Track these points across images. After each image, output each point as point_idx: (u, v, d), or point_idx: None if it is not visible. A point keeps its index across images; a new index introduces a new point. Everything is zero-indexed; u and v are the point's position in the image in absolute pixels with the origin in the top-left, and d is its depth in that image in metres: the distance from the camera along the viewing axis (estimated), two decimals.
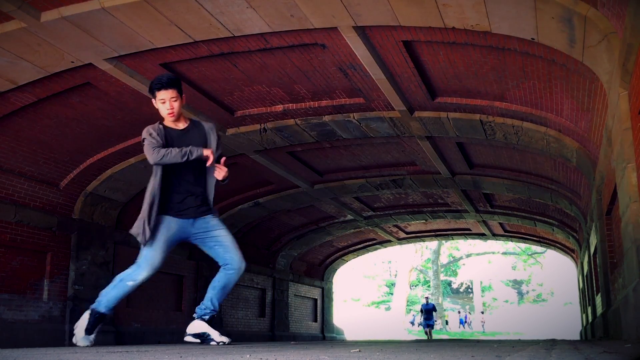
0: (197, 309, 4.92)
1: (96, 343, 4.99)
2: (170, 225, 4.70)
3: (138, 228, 4.78)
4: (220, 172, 4.86)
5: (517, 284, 56.12)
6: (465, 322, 48.72)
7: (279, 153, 11.23)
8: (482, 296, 55.64)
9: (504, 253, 47.58)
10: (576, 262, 20.14)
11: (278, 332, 17.67)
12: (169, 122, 4.73)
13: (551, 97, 7.64)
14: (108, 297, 5.02)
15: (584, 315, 17.93)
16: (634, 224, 5.12)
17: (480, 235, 21.37)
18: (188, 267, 13.64)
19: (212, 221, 4.81)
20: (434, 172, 12.52)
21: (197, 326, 4.82)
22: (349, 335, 24.60)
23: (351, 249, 21.11)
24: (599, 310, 11.04)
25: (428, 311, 22.62)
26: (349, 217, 16.67)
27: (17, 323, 9.10)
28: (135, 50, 7.00)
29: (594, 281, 12.08)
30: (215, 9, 6.15)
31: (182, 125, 4.76)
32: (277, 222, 16.13)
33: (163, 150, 4.49)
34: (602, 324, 10.17)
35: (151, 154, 4.50)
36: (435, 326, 26.00)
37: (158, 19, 6.30)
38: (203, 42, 6.92)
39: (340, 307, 36.59)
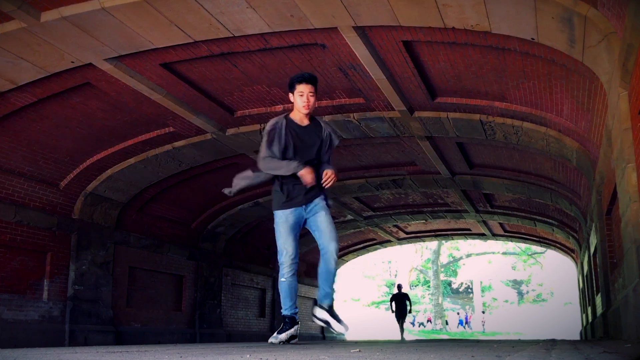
0: (317, 297, 5.22)
1: (96, 343, 4.98)
2: (288, 217, 5.04)
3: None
4: (328, 180, 5.04)
5: (517, 284, 56.12)
6: (466, 322, 48.72)
7: None
8: (482, 296, 55.65)
9: (504, 253, 47.59)
10: (576, 262, 20.15)
11: None
12: (296, 116, 5.05)
13: (551, 97, 7.64)
14: (282, 301, 5.13)
15: (584, 315, 17.94)
16: (634, 224, 5.12)
17: (480, 235, 21.37)
18: (188, 267, 13.64)
19: (318, 205, 5.06)
20: (434, 172, 12.52)
21: (320, 313, 5.10)
22: (349, 335, 24.59)
23: (351, 249, 21.12)
24: (599, 310, 11.04)
25: (400, 301, 18.73)
26: (349, 217, 16.67)
27: (17, 323, 9.10)
28: (135, 50, 7.00)
29: (594, 281, 12.08)
30: (215, 9, 6.15)
31: (305, 123, 5.08)
32: None
33: (272, 164, 4.94)
34: (602, 324, 10.17)
35: (261, 161, 4.97)
36: (411, 321, 22.23)
37: (158, 19, 6.31)
38: (203, 42, 6.92)
39: (340, 307, 36.58)
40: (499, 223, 18.56)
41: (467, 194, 14.60)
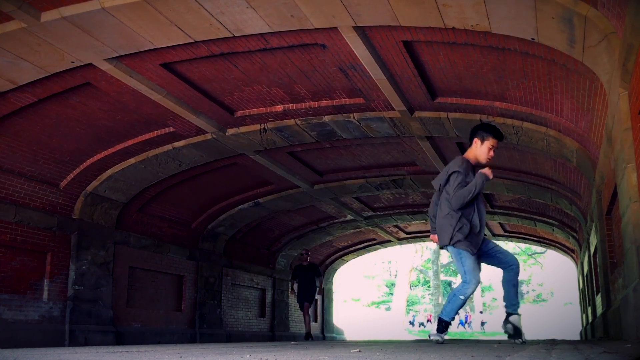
0: (505, 306, 5.77)
1: (96, 343, 4.98)
2: (475, 253, 5.54)
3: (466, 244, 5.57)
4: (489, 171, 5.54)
5: None
6: (466, 322, 48.70)
7: (279, 153, 11.23)
8: (482, 296, 55.63)
9: None
10: (576, 262, 20.14)
11: (278, 332, 17.67)
12: (472, 161, 5.59)
13: (551, 97, 7.64)
14: (447, 309, 5.71)
15: (584, 316, 17.93)
16: (634, 224, 5.12)
17: None
18: (188, 267, 13.64)
19: (486, 242, 5.65)
20: (434, 172, 12.50)
21: (516, 320, 5.62)
22: (349, 335, 24.59)
23: (351, 249, 21.11)
24: (599, 310, 11.04)
25: (306, 276, 13.30)
26: (349, 217, 16.67)
27: (17, 323, 9.10)
28: (135, 50, 7.00)
29: (594, 281, 12.08)
30: (215, 9, 6.15)
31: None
32: (277, 222, 16.13)
33: (463, 192, 5.40)
34: (602, 324, 10.17)
35: (456, 201, 5.44)
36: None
37: (158, 19, 6.31)
38: (203, 42, 6.92)
39: (340, 307, 36.58)
40: (499, 223, 18.55)
41: None
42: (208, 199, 13.16)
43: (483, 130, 5.54)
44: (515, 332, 5.53)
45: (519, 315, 5.63)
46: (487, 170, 5.40)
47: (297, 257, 14.92)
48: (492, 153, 5.48)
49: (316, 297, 14.26)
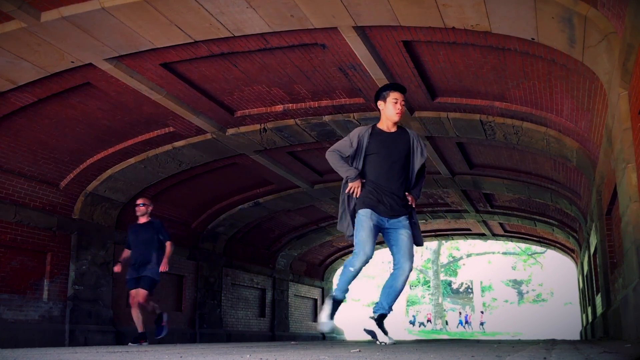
0: (373, 307, 5.33)
1: (96, 343, 4.98)
2: (372, 216, 5.08)
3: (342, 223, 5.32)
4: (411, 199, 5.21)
5: (517, 284, 56.13)
6: (466, 322, 48.72)
7: (279, 153, 11.24)
8: (482, 296, 55.65)
9: (504, 253, 47.58)
10: (576, 262, 20.14)
11: (278, 332, 17.67)
12: (384, 124, 5.19)
13: (551, 97, 7.64)
14: (339, 284, 5.41)
15: (584, 315, 17.93)
16: (634, 224, 5.12)
17: (480, 235, 21.37)
18: (188, 267, 13.64)
19: (403, 222, 5.13)
20: (434, 172, 12.52)
21: (368, 324, 5.21)
22: (349, 335, 24.59)
23: (351, 249, 21.05)
24: (599, 310, 11.04)
25: (143, 242, 8.40)
26: None
27: (17, 323, 9.10)
28: (135, 50, 7.01)
29: (594, 281, 12.08)
30: (215, 9, 6.15)
31: (393, 129, 5.21)
32: (277, 222, 16.13)
33: (334, 160, 5.18)
34: (602, 324, 10.17)
35: (328, 151, 5.21)
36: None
37: (158, 19, 6.31)
38: (203, 42, 6.93)
39: (340, 307, 36.55)
40: (499, 223, 18.55)
41: (467, 194, 14.60)
42: (208, 199, 13.16)
43: (381, 90, 5.23)
44: (371, 335, 5.18)
45: (374, 318, 5.19)
46: (354, 185, 5.05)
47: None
48: (399, 106, 5.11)
49: (166, 271, 8.48)
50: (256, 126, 9.77)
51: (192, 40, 6.82)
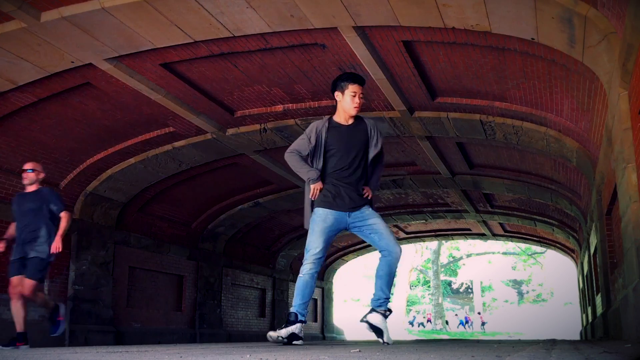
0: (371, 302, 5.03)
1: (96, 343, 4.97)
2: (327, 217, 4.91)
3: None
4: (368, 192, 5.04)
5: (517, 284, 56.14)
6: (466, 322, 48.73)
7: (279, 153, 11.21)
8: (482, 296, 55.64)
9: (504, 253, 47.60)
10: (576, 262, 20.15)
11: None
12: (340, 116, 5.04)
13: (551, 97, 7.64)
14: (294, 298, 4.99)
15: (584, 315, 17.94)
16: (634, 224, 5.12)
17: (480, 235, 21.37)
18: (188, 267, 13.64)
19: (366, 211, 4.97)
20: (434, 172, 12.52)
21: (375, 319, 4.95)
22: (349, 335, 24.59)
23: (351, 249, 21.11)
24: (599, 310, 11.04)
25: (28, 214, 6.82)
26: None
27: None
28: (135, 50, 7.01)
29: (594, 281, 12.08)
30: (215, 9, 6.15)
31: (350, 122, 5.06)
32: (277, 222, 16.13)
33: (293, 161, 5.03)
34: (602, 324, 10.17)
35: (286, 153, 5.06)
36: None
37: (158, 19, 6.31)
38: (203, 42, 6.93)
39: (340, 307, 36.59)
40: (499, 223, 18.56)
41: (467, 194, 14.60)
42: (208, 199, 13.16)
43: (339, 80, 4.99)
44: (376, 331, 4.91)
45: (383, 314, 4.92)
46: (315, 187, 4.92)
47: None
48: (357, 99, 4.92)
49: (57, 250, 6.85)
50: (256, 126, 9.77)
51: (192, 40, 6.82)
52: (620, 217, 6.29)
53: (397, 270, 5.01)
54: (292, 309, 4.92)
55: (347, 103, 4.96)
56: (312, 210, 5.04)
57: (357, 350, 4.05)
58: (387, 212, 16.74)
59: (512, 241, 25.14)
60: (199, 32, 6.62)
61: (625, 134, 5.21)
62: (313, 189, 4.97)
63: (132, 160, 10.28)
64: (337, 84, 5.01)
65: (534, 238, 20.90)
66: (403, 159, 12.06)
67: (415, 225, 19.19)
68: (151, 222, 12.34)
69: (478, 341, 8.09)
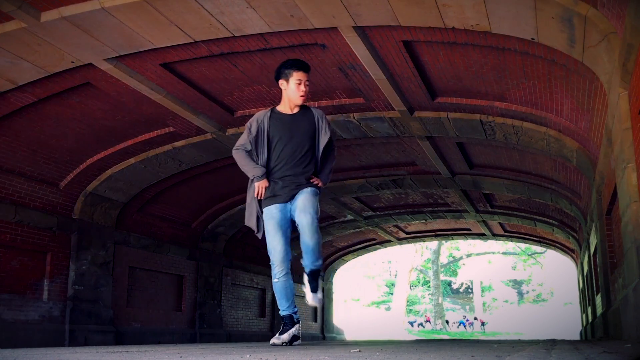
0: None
1: (96, 343, 4.97)
2: (274, 213, 4.78)
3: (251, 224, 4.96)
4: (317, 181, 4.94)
5: (517, 284, 56.15)
6: (466, 321, 48.74)
7: None
8: (482, 296, 55.65)
9: (504, 253, 47.62)
10: (576, 262, 20.15)
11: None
12: (285, 106, 4.89)
13: (551, 97, 7.64)
14: (279, 302, 4.95)
15: (584, 315, 17.94)
16: (634, 224, 5.12)
17: (480, 235, 21.37)
18: (188, 267, 13.64)
19: (301, 191, 4.80)
20: (434, 172, 12.52)
21: (304, 279, 4.98)
22: (349, 335, 24.60)
23: (351, 249, 21.12)
24: (599, 310, 11.04)
25: None
26: (349, 217, 16.67)
27: (17, 323, 9.10)
28: (135, 50, 7.01)
29: (594, 281, 12.08)
30: (215, 9, 6.15)
31: (295, 111, 4.89)
32: None
33: (238, 158, 4.89)
34: (602, 324, 10.17)
35: (233, 150, 4.96)
36: None
37: (158, 19, 6.31)
38: (203, 42, 6.93)
39: (340, 307, 36.60)
40: (499, 223, 18.56)
41: (467, 194, 14.60)
42: (208, 199, 13.16)
43: (283, 67, 4.79)
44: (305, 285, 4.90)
45: (307, 273, 4.90)
46: (260, 185, 4.76)
47: None
48: (303, 87, 4.73)
49: None
50: None
51: (192, 40, 6.82)
52: (620, 217, 6.29)
53: (314, 239, 4.74)
54: (283, 312, 4.87)
55: (292, 91, 4.79)
56: (257, 209, 4.86)
57: (357, 350, 4.05)
58: (387, 212, 16.75)
59: (512, 241, 25.14)
60: (199, 32, 6.62)
61: (625, 134, 5.21)
62: (258, 187, 4.79)
63: (132, 160, 10.28)
64: (281, 72, 4.81)
65: (534, 238, 20.90)
66: (403, 159, 12.06)
67: (415, 225, 19.19)
68: (151, 222, 12.34)
69: (478, 341, 8.09)
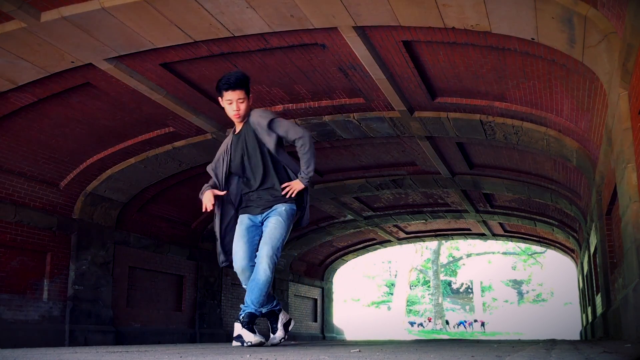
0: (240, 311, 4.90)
1: (96, 343, 4.97)
2: (243, 220, 4.83)
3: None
4: (288, 191, 4.84)
5: (517, 284, 56.15)
6: (467, 322, 48.74)
7: None
8: (482, 296, 55.65)
9: (504, 253, 47.61)
10: (576, 262, 20.15)
11: None
12: (235, 124, 4.84)
13: (551, 97, 7.64)
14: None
15: (584, 315, 17.94)
16: (634, 224, 5.12)
17: (480, 235, 21.37)
18: (188, 267, 13.64)
19: (274, 210, 4.75)
20: (434, 172, 12.52)
21: (235, 328, 4.72)
22: (349, 335, 24.60)
23: (351, 249, 21.12)
24: (599, 310, 11.04)
25: None
26: (349, 217, 16.68)
27: (17, 323, 9.10)
28: (135, 50, 7.01)
29: (594, 281, 12.08)
30: (215, 9, 6.15)
31: (240, 127, 4.79)
32: None
33: (204, 189, 5.00)
34: (602, 324, 10.17)
35: (208, 168, 5.05)
36: None
37: (158, 19, 6.31)
38: (203, 42, 6.93)
39: (340, 307, 36.61)
40: (499, 223, 18.56)
41: (467, 194, 14.60)
42: None
43: (216, 87, 4.61)
44: (240, 341, 4.58)
45: (241, 322, 4.64)
46: (204, 204, 4.83)
47: None
48: (236, 106, 4.55)
49: None
50: None
51: (192, 40, 6.82)
52: (620, 217, 6.29)
53: (265, 277, 4.58)
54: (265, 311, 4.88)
55: (227, 112, 4.71)
56: (218, 220, 4.92)
57: (357, 350, 4.05)
58: (387, 212, 16.75)
59: (512, 241, 25.14)
60: (199, 32, 6.62)
61: (625, 134, 5.21)
62: (204, 201, 4.89)
63: (132, 160, 10.27)
64: (217, 90, 4.67)
65: (534, 238, 20.90)
66: (403, 159, 12.06)
67: (415, 225, 19.19)
68: (151, 222, 12.34)
69: (478, 341, 8.09)
